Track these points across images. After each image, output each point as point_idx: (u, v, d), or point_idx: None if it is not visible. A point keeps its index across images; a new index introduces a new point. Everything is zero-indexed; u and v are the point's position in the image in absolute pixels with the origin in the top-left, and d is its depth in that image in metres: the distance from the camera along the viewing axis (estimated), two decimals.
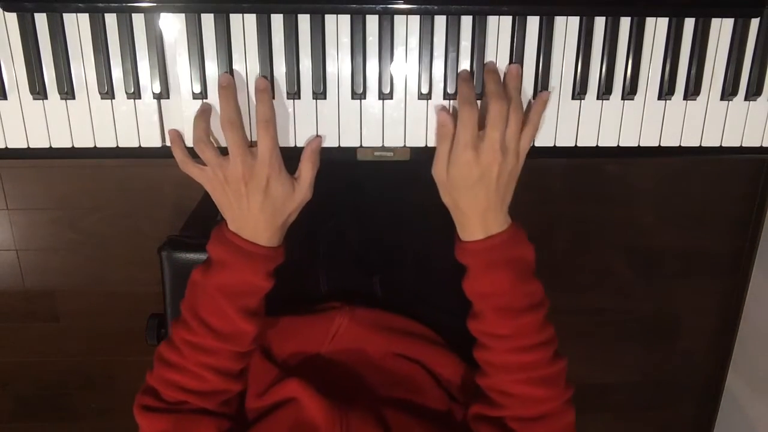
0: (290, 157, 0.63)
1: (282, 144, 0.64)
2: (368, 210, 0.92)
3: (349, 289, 0.84)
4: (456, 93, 0.64)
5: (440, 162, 0.62)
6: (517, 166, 0.62)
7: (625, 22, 0.64)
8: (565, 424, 0.64)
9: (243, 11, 0.61)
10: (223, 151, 0.61)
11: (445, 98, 0.65)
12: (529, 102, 0.65)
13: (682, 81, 0.66)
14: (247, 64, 0.63)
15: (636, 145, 0.68)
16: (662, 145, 0.68)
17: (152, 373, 0.65)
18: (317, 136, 0.65)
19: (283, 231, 0.65)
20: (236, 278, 0.63)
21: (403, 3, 0.61)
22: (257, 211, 0.61)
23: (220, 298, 0.63)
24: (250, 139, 0.63)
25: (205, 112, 0.63)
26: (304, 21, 0.62)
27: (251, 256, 0.63)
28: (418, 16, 0.62)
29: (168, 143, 0.65)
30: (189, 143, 0.64)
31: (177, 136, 0.64)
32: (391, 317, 0.78)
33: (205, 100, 0.64)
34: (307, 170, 0.63)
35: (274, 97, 0.63)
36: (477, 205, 0.61)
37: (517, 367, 0.64)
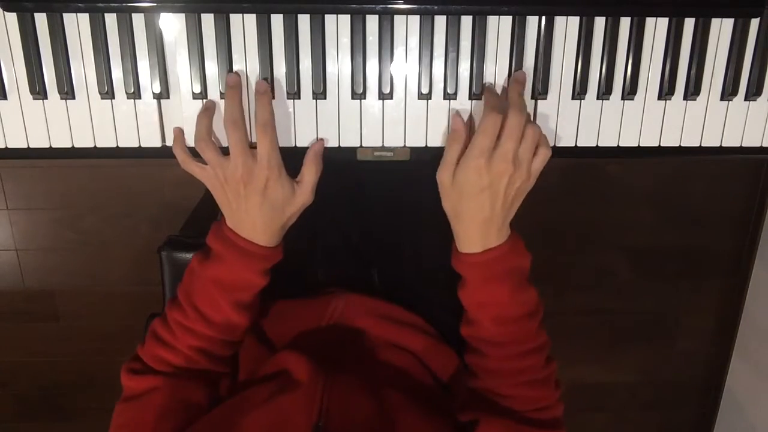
0: (290, 156, 0.63)
1: (282, 144, 0.64)
2: (367, 205, 0.92)
3: (347, 280, 0.85)
4: (456, 93, 0.64)
5: (447, 166, 0.61)
6: (527, 183, 0.61)
7: (625, 22, 0.64)
8: (553, 416, 0.66)
9: (243, 11, 0.61)
10: (224, 151, 0.61)
11: (445, 98, 0.65)
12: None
13: (682, 81, 0.66)
14: (247, 64, 0.63)
15: (636, 145, 0.68)
16: (662, 145, 0.68)
17: (143, 347, 0.67)
18: (320, 139, 0.65)
19: (282, 232, 0.65)
20: (231, 273, 0.63)
21: (403, 3, 0.61)
22: (255, 212, 0.61)
23: (214, 289, 0.63)
24: (250, 141, 0.63)
25: (208, 110, 0.63)
26: (304, 21, 0.62)
27: (247, 254, 0.63)
28: (418, 16, 0.62)
29: (168, 142, 0.65)
30: (189, 142, 0.64)
31: (179, 134, 0.64)
32: (387, 306, 0.79)
33: (205, 100, 0.64)
34: (309, 174, 0.63)
35: (274, 98, 0.63)
36: (479, 215, 0.60)
37: (512, 372, 0.64)
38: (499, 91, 0.64)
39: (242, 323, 0.66)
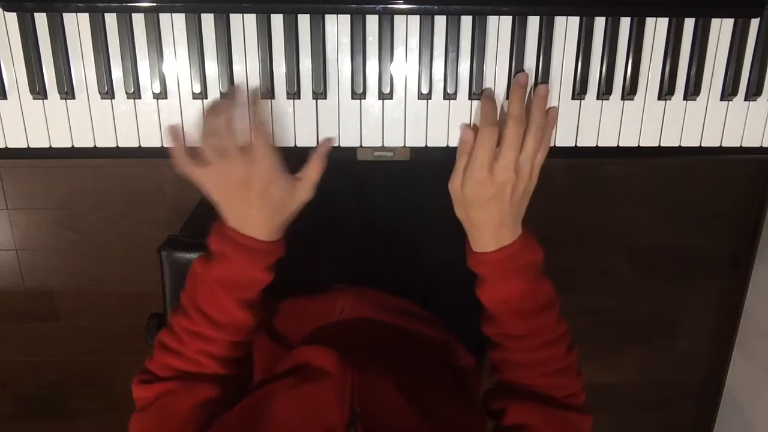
0: (290, 156, 0.63)
1: (282, 144, 0.64)
2: (370, 203, 0.93)
3: (352, 278, 0.85)
4: (455, 93, 0.64)
5: (456, 177, 0.62)
6: (530, 184, 0.62)
7: (625, 22, 0.64)
8: (578, 403, 0.69)
9: (243, 11, 0.61)
10: None
11: (444, 98, 0.65)
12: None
13: (682, 81, 0.66)
14: (247, 64, 0.63)
15: (636, 145, 0.68)
16: (662, 145, 0.68)
17: (152, 359, 0.67)
18: (327, 138, 0.65)
19: (284, 227, 0.65)
20: (236, 272, 0.63)
21: (403, 3, 0.61)
22: (256, 211, 0.62)
23: (219, 290, 0.64)
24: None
25: (212, 109, 0.63)
26: (304, 21, 0.62)
27: (251, 251, 0.63)
28: (418, 16, 0.62)
29: (167, 142, 0.65)
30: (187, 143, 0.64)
31: (176, 133, 0.64)
32: (394, 299, 0.80)
33: (206, 100, 0.64)
34: (313, 171, 0.63)
35: (274, 98, 0.63)
36: (490, 221, 0.62)
37: (535, 364, 0.67)
38: (502, 94, 0.65)
39: (248, 322, 0.66)
